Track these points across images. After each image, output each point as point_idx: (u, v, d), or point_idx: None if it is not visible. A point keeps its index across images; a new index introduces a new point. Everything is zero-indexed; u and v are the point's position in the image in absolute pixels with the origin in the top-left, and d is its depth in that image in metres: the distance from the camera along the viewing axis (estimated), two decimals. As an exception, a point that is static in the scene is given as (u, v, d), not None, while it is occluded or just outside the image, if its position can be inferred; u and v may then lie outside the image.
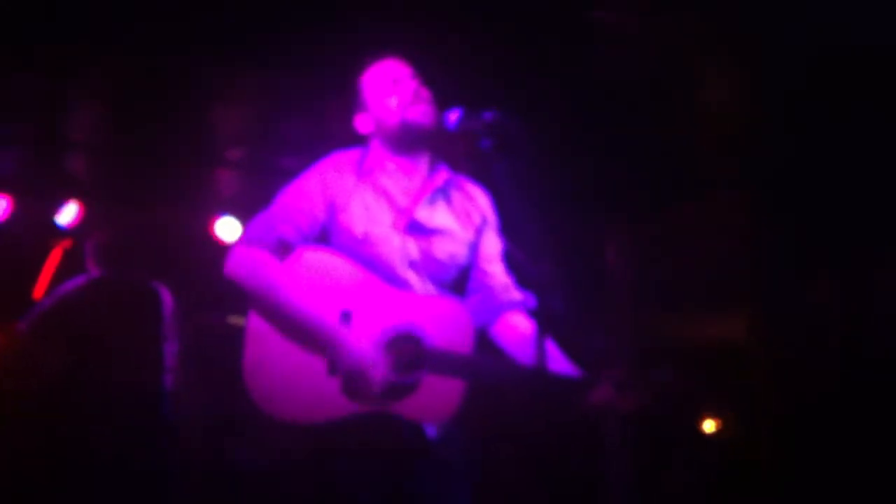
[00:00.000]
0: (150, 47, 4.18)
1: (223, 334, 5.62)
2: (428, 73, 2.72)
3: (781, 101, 4.58)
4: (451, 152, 2.76)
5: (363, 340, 2.43)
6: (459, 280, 2.74)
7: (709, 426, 6.80)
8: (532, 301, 2.63)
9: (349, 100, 2.77)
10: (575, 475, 5.22)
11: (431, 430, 2.52)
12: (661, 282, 6.00)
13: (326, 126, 4.86)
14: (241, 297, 2.50)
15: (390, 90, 2.67)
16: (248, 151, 5.73)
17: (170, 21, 3.94)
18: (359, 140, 2.76)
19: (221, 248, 6.12)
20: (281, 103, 4.93)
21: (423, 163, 2.71)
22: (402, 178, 2.68)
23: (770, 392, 5.45)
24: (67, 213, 5.85)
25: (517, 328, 2.72)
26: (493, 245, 2.78)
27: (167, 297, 4.62)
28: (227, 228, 6.22)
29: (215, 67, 4.47)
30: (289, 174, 2.65)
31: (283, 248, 2.52)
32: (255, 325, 2.46)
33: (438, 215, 2.68)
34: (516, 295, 2.76)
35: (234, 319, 5.51)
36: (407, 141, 2.67)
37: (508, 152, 2.41)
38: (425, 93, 2.66)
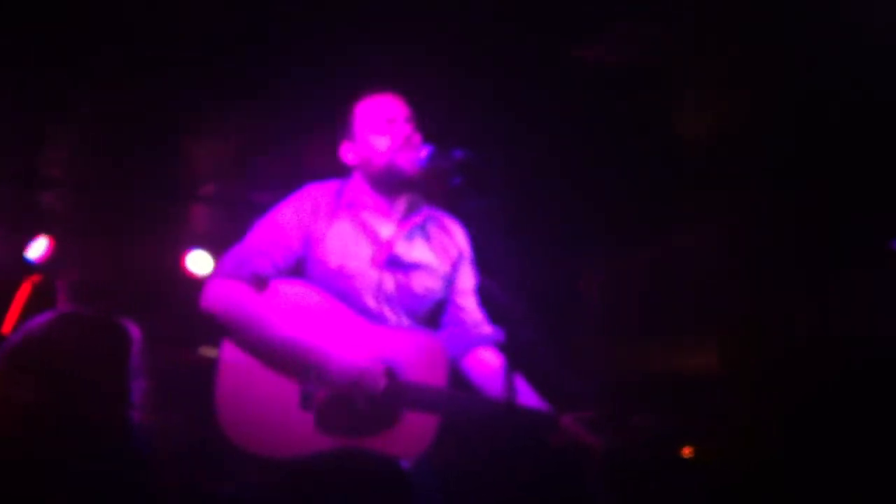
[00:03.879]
0: (124, 84, 4.18)
1: (194, 367, 5.58)
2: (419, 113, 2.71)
3: (762, 131, 4.64)
4: (425, 188, 2.76)
5: (352, 352, 2.42)
6: (434, 313, 2.76)
7: (687, 454, 6.78)
8: (501, 336, 2.64)
9: (337, 125, 2.75)
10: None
11: (405, 463, 2.51)
12: (634, 313, 6.02)
13: (299, 161, 4.88)
14: (218, 330, 2.51)
15: (383, 129, 2.66)
16: (220, 186, 5.72)
17: (144, 58, 3.94)
18: (334, 172, 2.76)
19: (193, 282, 6.11)
20: (253, 139, 4.93)
21: (402, 199, 2.73)
22: (381, 212, 2.70)
23: (750, 417, 5.47)
24: (37, 248, 5.79)
25: (487, 363, 2.74)
26: (467, 279, 2.81)
27: (135, 333, 4.58)
28: (199, 262, 6.19)
29: (188, 103, 4.47)
30: (260, 208, 2.65)
31: (259, 282, 2.52)
32: (229, 357, 2.47)
33: (416, 250, 2.70)
34: (487, 330, 2.77)
35: (207, 351, 5.47)
36: (390, 182, 2.67)
37: (478, 190, 2.42)
38: (417, 138, 2.65)
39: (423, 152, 2.58)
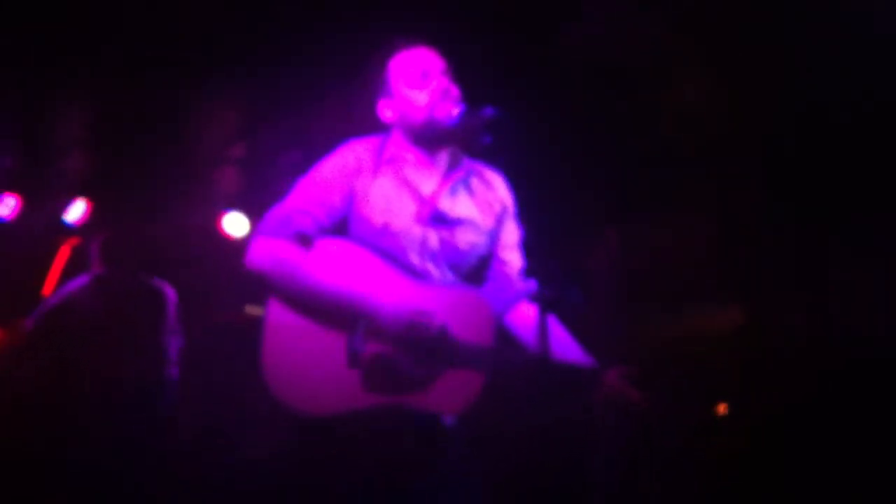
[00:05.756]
0: (152, 46, 4.16)
1: (230, 329, 5.65)
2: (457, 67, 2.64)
3: (769, 101, 4.59)
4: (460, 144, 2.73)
5: (405, 299, 2.42)
6: (478, 268, 2.72)
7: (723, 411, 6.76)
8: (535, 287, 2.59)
9: (371, 82, 2.69)
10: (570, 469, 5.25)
11: (448, 422, 2.51)
12: (650, 279, 6.00)
13: (327, 120, 4.86)
14: (264, 287, 2.49)
15: (419, 83, 2.60)
16: (251, 147, 5.71)
17: (171, 18, 3.93)
18: (362, 130, 2.71)
19: (229, 244, 6.16)
20: (281, 99, 4.91)
21: (444, 153, 2.68)
22: (423, 168, 2.65)
23: (758, 386, 5.46)
24: (75, 211, 5.86)
25: (531, 317, 2.70)
26: (511, 233, 2.76)
27: (170, 294, 4.65)
28: (235, 223, 6.23)
29: (216, 66, 4.45)
30: (289, 168, 2.63)
31: (303, 241, 2.49)
32: (275, 316, 2.46)
33: (460, 205, 2.65)
34: (531, 284, 2.73)
35: (252, 309, 5.53)
36: (430, 137, 2.62)
37: (506, 149, 2.41)
38: (455, 91, 2.60)
39: (455, 110, 2.54)
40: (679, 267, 5.91)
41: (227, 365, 5.19)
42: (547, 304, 2.25)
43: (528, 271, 2.62)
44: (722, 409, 6.35)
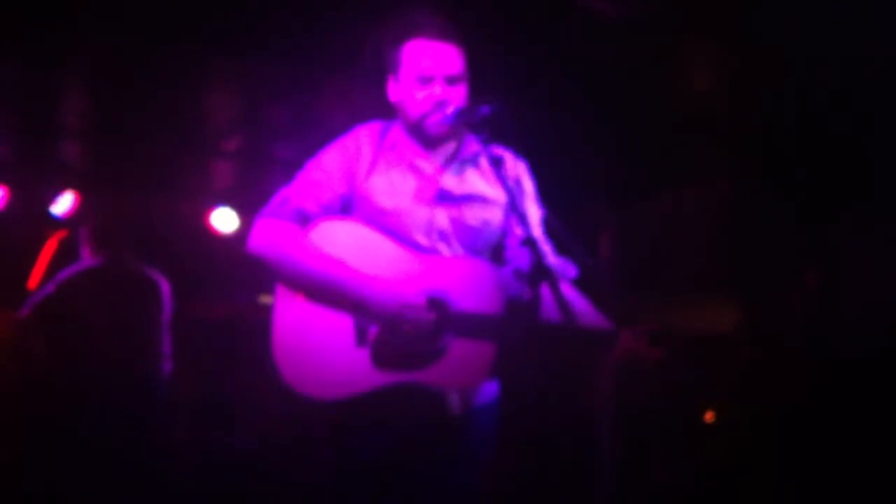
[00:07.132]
0: (142, 36, 4.13)
1: (218, 322, 5.64)
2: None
3: (768, 90, 4.60)
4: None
5: (395, 285, 2.41)
6: (496, 247, 2.68)
7: (708, 415, 6.80)
8: (571, 269, 2.55)
9: (385, 58, 2.64)
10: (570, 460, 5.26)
11: (454, 404, 2.51)
12: (649, 270, 6.02)
13: (321, 115, 4.85)
14: (267, 273, 2.49)
15: (422, 83, 2.54)
16: (243, 141, 5.67)
17: (166, 8, 3.90)
18: (364, 118, 2.69)
19: (216, 239, 6.15)
20: (275, 92, 4.88)
21: (446, 143, 2.63)
22: (427, 150, 2.61)
23: (756, 381, 5.49)
24: (63, 203, 5.84)
25: (548, 292, 2.60)
26: (531, 212, 2.70)
27: (165, 286, 4.64)
28: (223, 219, 6.21)
29: (208, 56, 4.42)
30: (285, 164, 2.63)
31: (303, 220, 2.50)
32: (283, 300, 2.46)
33: (468, 182, 2.61)
34: (554, 261, 2.64)
35: (266, 299, 5.52)
36: (420, 136, 2.60)
37: (504, 145, 2.38)
38: (451, 104, 2.52)
39: (450, 109, 2.50)
40: (678, 262, 5.93)
41: (217, 358, 5.19)
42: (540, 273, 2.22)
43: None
44: (709, 416, 6.38)
